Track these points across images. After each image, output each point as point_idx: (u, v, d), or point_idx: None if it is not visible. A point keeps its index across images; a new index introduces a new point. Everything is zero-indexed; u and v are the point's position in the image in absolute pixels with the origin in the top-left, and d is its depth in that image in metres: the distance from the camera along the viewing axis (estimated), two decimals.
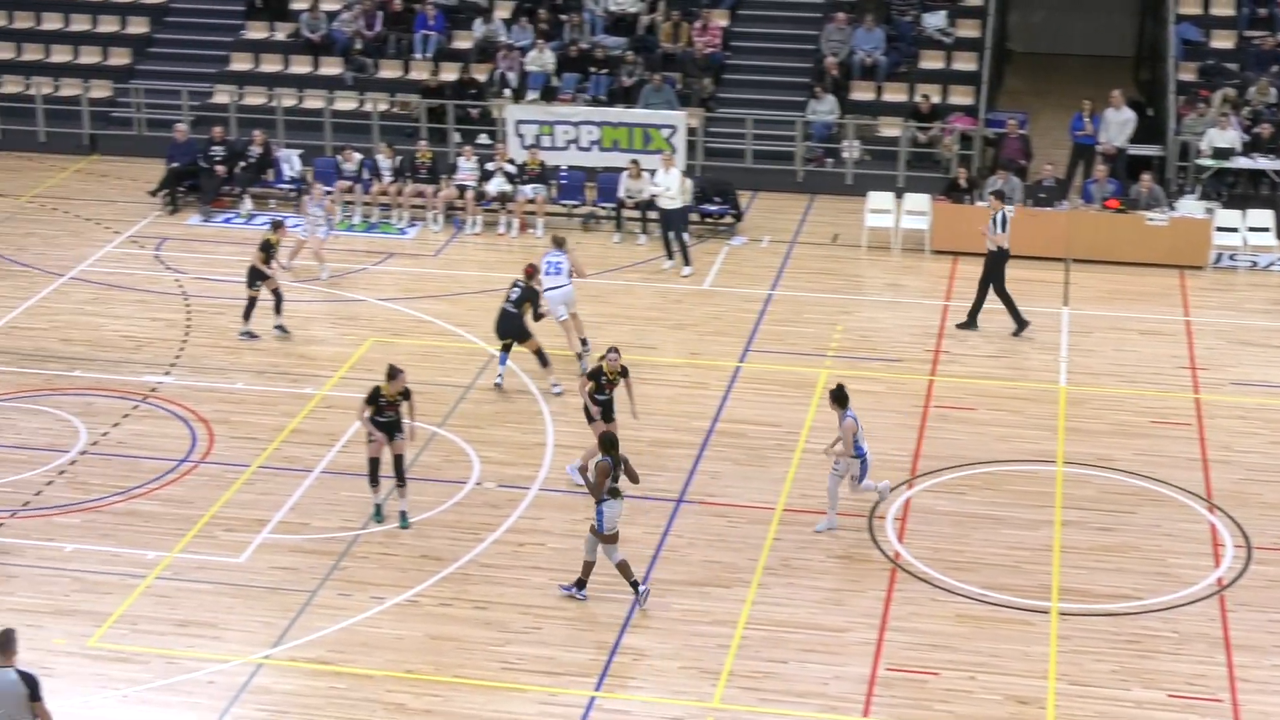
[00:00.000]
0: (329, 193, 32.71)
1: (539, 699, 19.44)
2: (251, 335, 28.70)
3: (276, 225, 29.37)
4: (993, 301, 29.28)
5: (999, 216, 29.06)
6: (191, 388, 27.13)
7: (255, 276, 28.65)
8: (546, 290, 27.35)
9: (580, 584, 21.41)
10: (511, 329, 26.81)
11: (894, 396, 26.90)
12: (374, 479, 23.07)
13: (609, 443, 21.20)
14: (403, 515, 23.17)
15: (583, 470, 23.11)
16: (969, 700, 19.41)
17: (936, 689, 19.62)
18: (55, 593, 21.41)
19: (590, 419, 23.87)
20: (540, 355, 26.88)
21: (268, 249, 28.69)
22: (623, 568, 21.17)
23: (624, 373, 23.86)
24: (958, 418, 26.25)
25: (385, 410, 22.77)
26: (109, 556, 22.27)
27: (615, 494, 20.97)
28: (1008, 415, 26.37)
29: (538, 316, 27.01)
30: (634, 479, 21.29)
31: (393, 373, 22.86)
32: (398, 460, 23.02)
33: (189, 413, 26.30)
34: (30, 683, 16.59)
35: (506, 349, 27.12)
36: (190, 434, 25.66)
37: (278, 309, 28.84)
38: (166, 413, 26.35)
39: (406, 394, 22.84)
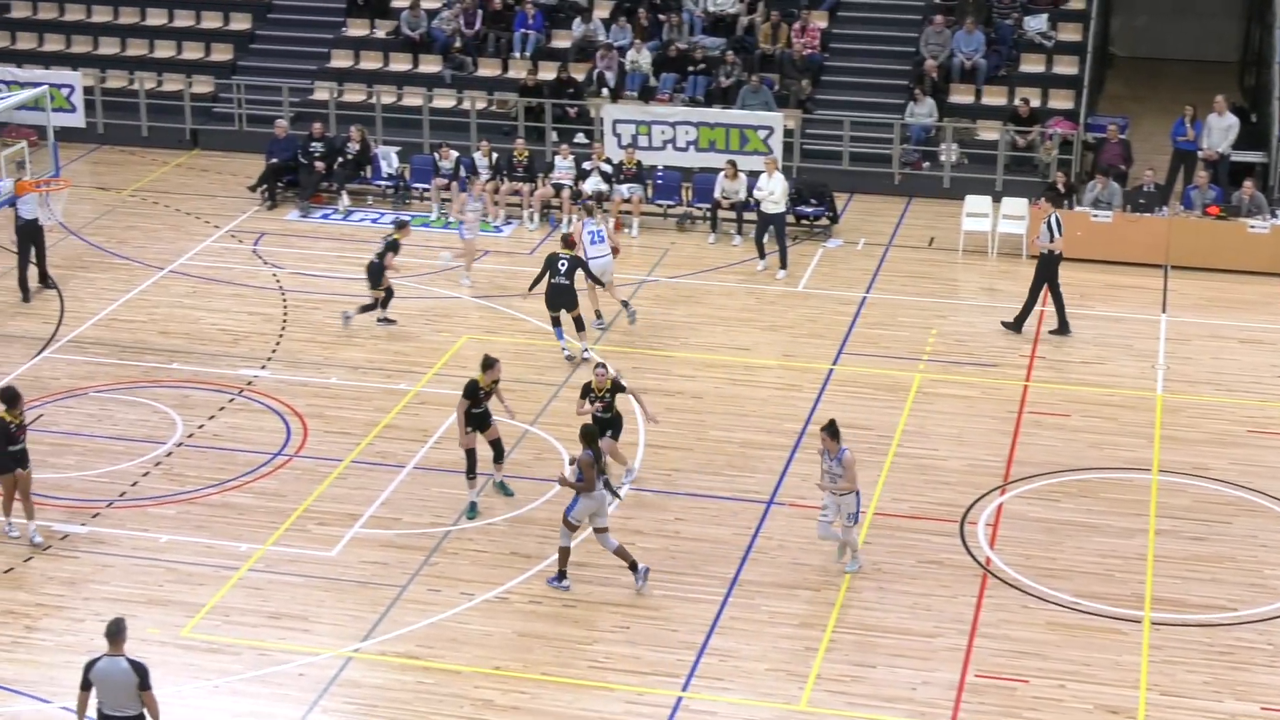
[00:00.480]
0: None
1: (626, 698, 19.48)
2: (389, 321, 29.18)
3: (401, 225, 29.66)
4: (1084, 308, 29.10)
5: (1051, 220, 28.91)
6: (287, 382, 27.34)
7: (377, 275, 28.91)
8: (591, 259, 28.20)
9: (561, 574, 21.62)
10: (566, 299, 27.53)
11: (988, 401, 26.79)
12: (471, 472, 23.26)
13: (588, 435, 21.38)
14: (502, 485, 23.78)
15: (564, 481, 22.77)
16: (1059, 709, 19.30)
17: (1026, 696, 19.51)
18: (149, 583, 21.64)
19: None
20: (578, 321, 27.78)
21: (396, 249, 28.97)
22: (620, 553, 21.41)
23: (615, 387, 23.78)
24: (1052, 424, 26.08)
25: (482, 401, 23.08)
26: (203, 548, 22.49)
27: (610, 489, 21.39)
28: (1102, 422, 26.19)
29: (598, 282, 28.12)
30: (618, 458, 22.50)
31: (488, 362, 23.18)
32: (497, 443, 23.50)
33: (284, 406, 26.51)
34: (140, 671, 16.94)
35: (557, 321, 27.76)
36: (285, 428, 25.86)
37: (384, 304, 29.14)
38: (262, 406, 26.57)
39: (496, 383, 23.34)
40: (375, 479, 24.32)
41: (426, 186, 35.27)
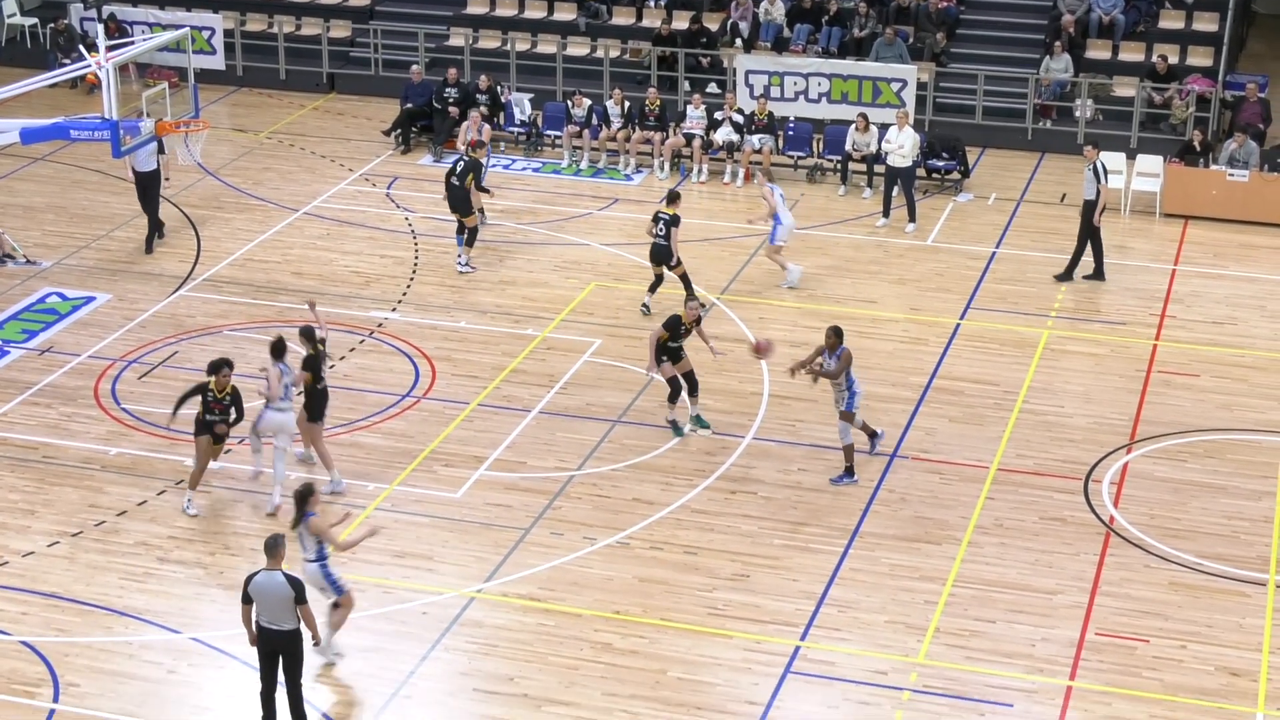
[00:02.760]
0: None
1: (744, 645, 19.63)
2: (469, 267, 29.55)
3: (480, 145, 30.25)
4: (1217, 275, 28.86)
5: (1097, 165, 28.77)
6: (416, 324, 27.62)
7: (463, 201, 29.30)
8: (780, 223, 28.93)
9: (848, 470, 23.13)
10: (661, 255, 27.65)
11: (1116, 360, 26.64)
12: (674, 397, 23.99)
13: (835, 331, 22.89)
14: (698, 418, 24.15)
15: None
16: (1179, 669, 19.28)
17: (1146, 656, 19.50)
18: (279, 518, 21.92)
19: (658, 363, 23.99)
20: (658, 279, 27.89)
21: (478, 170, 29.53)
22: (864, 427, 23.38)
23: (698, 322, 24.18)
24: (1180, 384, 25.93)
25: (681, 336, 23.85)
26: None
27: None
28: (1232, 383, 26.00)
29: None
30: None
31: (690, 296, 24.22)
32: (690, 375, 24.01)
33: (413, 349, 26.80)
34: (297, 586, 17.40)
35: (659, 278, 27.91)
36: (414, 370, 26.15)
37: (470, 240, 29.62)
38: (391, 348, 26.88)
39: (699, 321, 23.92)
40: (501, 422, 24.56)
41: (559, 134, 35.44)
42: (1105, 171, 28.97)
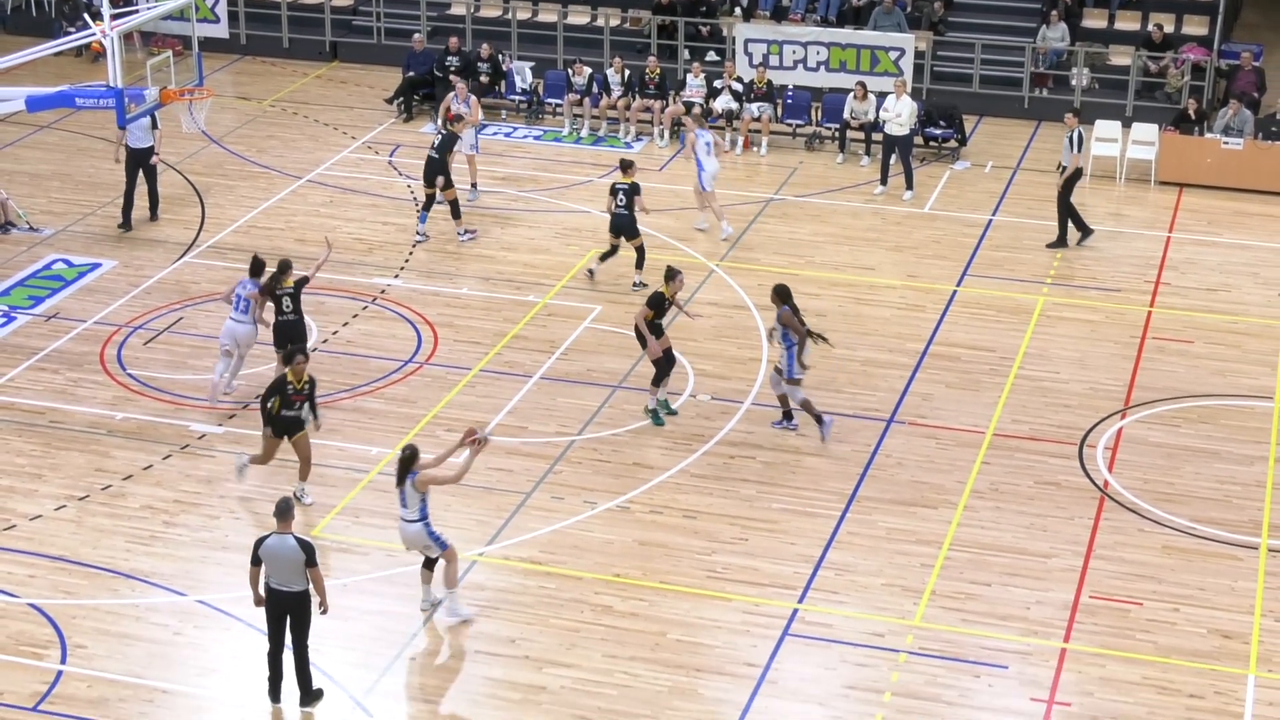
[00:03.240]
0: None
1: (743, 608, 19.83)
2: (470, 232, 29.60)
3: (459, 118, 30.17)
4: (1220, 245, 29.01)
5: (1074, 135, 29.02)
6: (419, 291, 27.77)
7: (437, 171, 29.14)
8: (704, 171, 29.33)
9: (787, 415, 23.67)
10: (624, 227, 27.66)
11: (1111, 326, 26.82)
12: (660, 379, 23.90)
13: (781, 294, 23.23)
14: (666, 403, 24.17)
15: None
16: (1171, 631, 19.46)
17: (1139, 619, 19.68)
18: (283, 483, 22.07)
19: (643, 343, 23.76)
20: (640, 252, 27.70)
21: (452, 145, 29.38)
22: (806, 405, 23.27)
23: (635, 189, 25.12)
24: (1175, 350, 26.11)
25: (665, 312, 23.80)
26: (335, 451, 22.98)
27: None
28: (1226, 350, 26.18)
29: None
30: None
31: (671, 273, 23.74)
32: (669, 351, 23.91)
33: (415, 315, 26.97)
34: (307, 549, 17.61)
35: (614, 249, 27.93)
36: (416, 335, 26.32)
37: (455, 213, 29.54)
38: (394, 314, 27.05)
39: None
40: (503, 388, 24.73)
41: (559, 102, 35.60)
42: (1082, 140, 29.18)
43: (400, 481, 19.00)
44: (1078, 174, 29.35)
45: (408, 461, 18.94)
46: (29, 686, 18.37)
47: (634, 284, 27.54)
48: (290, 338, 23.09)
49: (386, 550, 20.80)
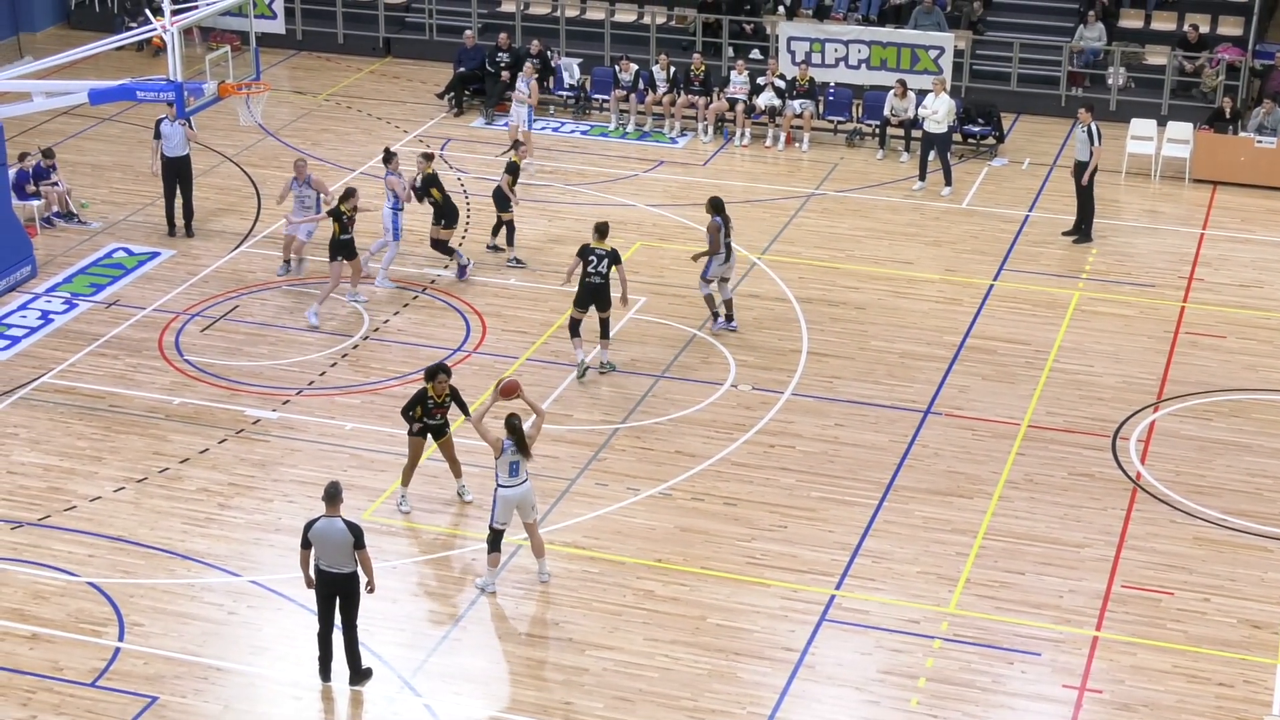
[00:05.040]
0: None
1: (781, 594, 20.04)
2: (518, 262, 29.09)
3: (517, 145, 29.93)
4: (1245, 241, 29.14)
5: (1091, 129, 29.24)
6: (467, 281, 28.02)
7: (503, 200, 28.75)
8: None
9: (715, 315, 25.95)
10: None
11: (1145, 321, 26.95)
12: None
13: (714, 204, 25.70)
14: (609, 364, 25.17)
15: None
16: (1202, 621, 19.59)
17: (1170, 608, 19.81)
18: (334, 467, 22.49)
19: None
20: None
21: (514, 172, 28.68)
22: (708, 300, 25.94)
23: (615, 257, 24.94)
24: (1208, 344, 26.20)
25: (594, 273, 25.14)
26: (385, 436, 23.29)
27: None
28: (1258, 345, 26.26)
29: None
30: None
31: (602, 227, 25.01)
32: (605, 322, 25.01)
33: (464, 305, 27.25)
34: (356, 532, 17.88)
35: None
36: (465, 325, 26.63)
37: (509, 239, 28.98)
38: (443, 304, 27.34)
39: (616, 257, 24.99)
40: (549, 376, 24.96)
41: (606, 98, 35.94)
42: (1099, 135, 29.38)
43: (521, 450, 19.56)
44: (1094, 168, 29.60)
45: (520, 429, 19.54)
46: (88, 663, 18.72)
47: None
48: (344, 251, 26.35)
49: (434, 533, 21.15)
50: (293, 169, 28.02)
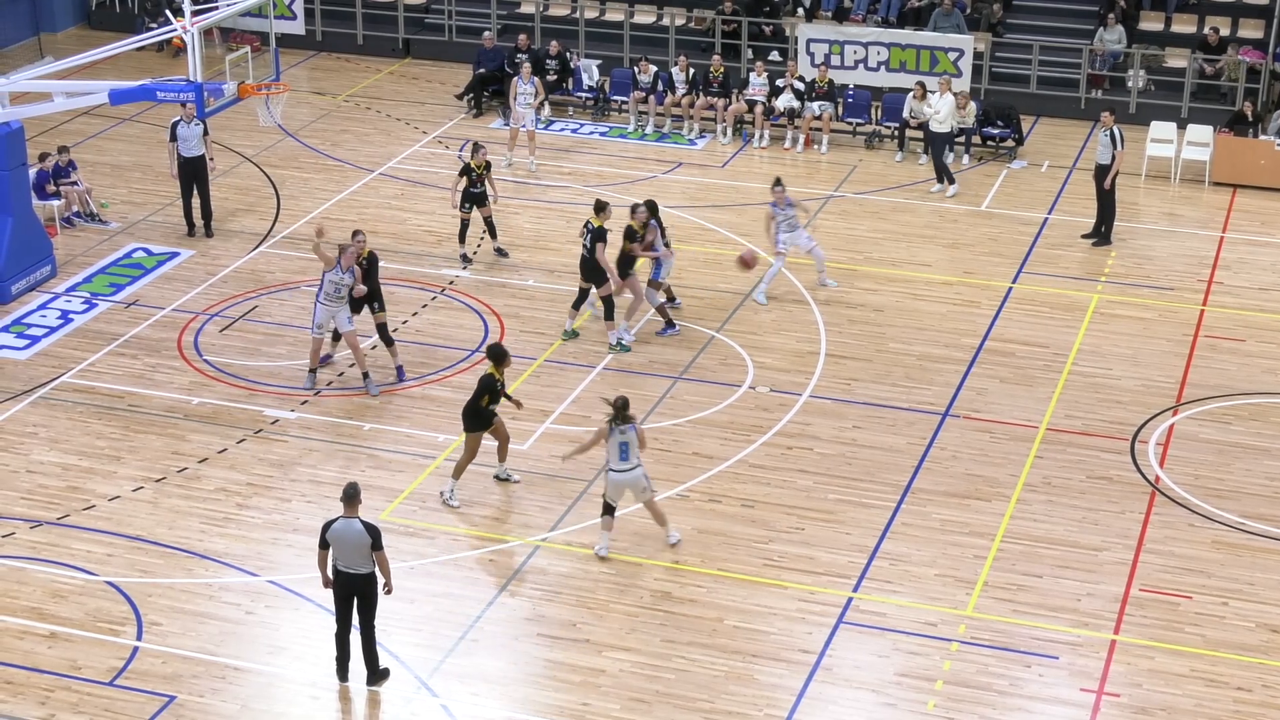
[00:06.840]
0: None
1: (798, 595, 20.07)
2: (503, 253, 29.13)
3: (476, 148, 29.01)
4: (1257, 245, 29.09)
5: (1115, 131, 29.21)
6: (486, 282, 28.09)
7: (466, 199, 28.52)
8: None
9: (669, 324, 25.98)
10: (590, 273, 26.08)
11: (1164, 324, 26.93)
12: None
13: (650, 207, 26.10)
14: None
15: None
16: (1220, 625, 19.59)
17: (1188, 612, 19.81)
18: (352, 467, 22.54)
19: (621, 276, 25.88)
20: (582, 294, 26.39)
21: (466, 173, 28.34)
22: (661, 310, 25.90)
23: (599, 234, 25.60)
24: (1227, 348, 26.20)
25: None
26: (402, 437, 23.38)
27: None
28: (1277, 348, 26.24)
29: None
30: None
31: (599, 204, 25.76)
32: (607, 302, 25.74)
33: (483, 306, 27.30)
34: (373, 533, 17.92)
35: (584, 294, 26.55)
36: (483, 326, 26.67)
37: (492, 233, 29.00)
38: (462, 305, 27.40)
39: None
40: (566, 377, 25.03)
41: (625, 99, 35.97)
42: (1122, 138, 29.35)
43: (624, 431, 20.08)
44: (1115, 171, 29.55)
45: (627, 409, 20.09)
46: (106, 662, 18.80)
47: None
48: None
49: (451, 535, 21.19)
50: (338, 249, 24.83)
